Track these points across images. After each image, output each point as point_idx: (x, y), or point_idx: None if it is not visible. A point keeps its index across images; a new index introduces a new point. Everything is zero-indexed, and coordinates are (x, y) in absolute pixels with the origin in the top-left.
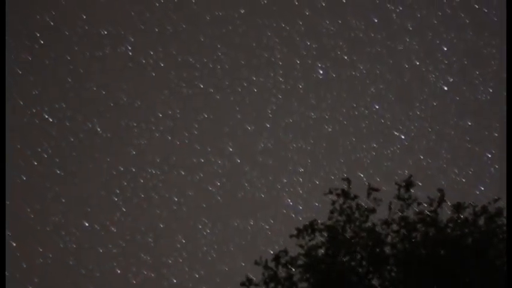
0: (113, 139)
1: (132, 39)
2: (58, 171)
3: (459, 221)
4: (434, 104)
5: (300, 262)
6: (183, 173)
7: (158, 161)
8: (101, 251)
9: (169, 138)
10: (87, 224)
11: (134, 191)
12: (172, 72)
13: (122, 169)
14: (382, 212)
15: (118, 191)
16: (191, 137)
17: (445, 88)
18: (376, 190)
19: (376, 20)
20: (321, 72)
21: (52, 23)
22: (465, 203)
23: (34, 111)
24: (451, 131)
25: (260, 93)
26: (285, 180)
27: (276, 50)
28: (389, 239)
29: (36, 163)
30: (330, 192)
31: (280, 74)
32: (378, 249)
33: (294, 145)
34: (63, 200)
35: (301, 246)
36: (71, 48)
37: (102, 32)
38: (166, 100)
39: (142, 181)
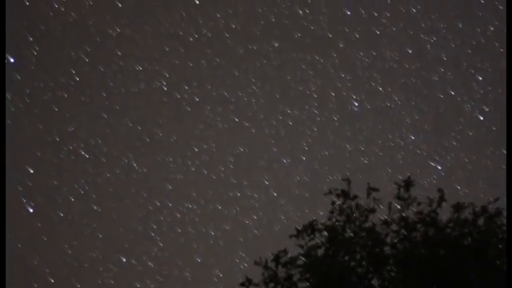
0: (149, 174)
1: (167, 75)
2: (95, 207)
3: (459, 221)
4: (470, 134)
5: (299, 262)
6: (219, 207)
7: (194, 195)
8: (139, 286)
9: (205, 172)
10: (124, 260)
11: (171, 225)
12: (207, 106)
13: (159, 204)
14: (382, 212)
15: (155, 226)
16: (227, 171)
17: (481, 118)
18: (376, 190)
19: (410, 51)
20: (356, 104)
21: (87, 60)
22: (464, 203)
23: (70, 148)
24: (487, 160)
25: (295, 126)
26: (322, 213)
27: (311, 82)
28: (389, 239)
29: (73, 199)
30: (330, 193)
31: (315, 107)
32: (377, 249)
33: (330, 177)
34: (101, 236)
35: (301, 246)
36: (107, 84)
37: (137, 68)
38: (201, 135)
39: (179, 216)
